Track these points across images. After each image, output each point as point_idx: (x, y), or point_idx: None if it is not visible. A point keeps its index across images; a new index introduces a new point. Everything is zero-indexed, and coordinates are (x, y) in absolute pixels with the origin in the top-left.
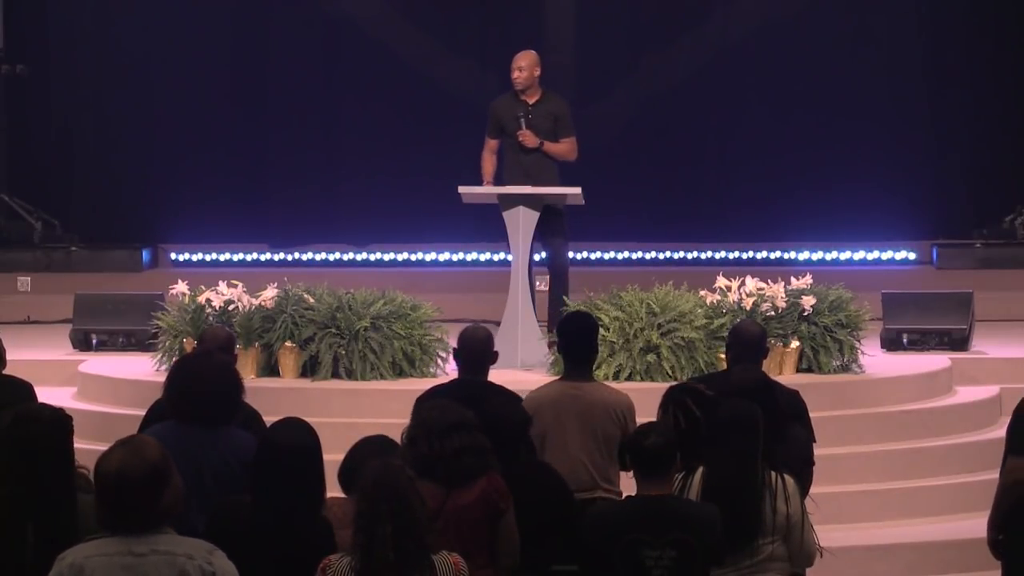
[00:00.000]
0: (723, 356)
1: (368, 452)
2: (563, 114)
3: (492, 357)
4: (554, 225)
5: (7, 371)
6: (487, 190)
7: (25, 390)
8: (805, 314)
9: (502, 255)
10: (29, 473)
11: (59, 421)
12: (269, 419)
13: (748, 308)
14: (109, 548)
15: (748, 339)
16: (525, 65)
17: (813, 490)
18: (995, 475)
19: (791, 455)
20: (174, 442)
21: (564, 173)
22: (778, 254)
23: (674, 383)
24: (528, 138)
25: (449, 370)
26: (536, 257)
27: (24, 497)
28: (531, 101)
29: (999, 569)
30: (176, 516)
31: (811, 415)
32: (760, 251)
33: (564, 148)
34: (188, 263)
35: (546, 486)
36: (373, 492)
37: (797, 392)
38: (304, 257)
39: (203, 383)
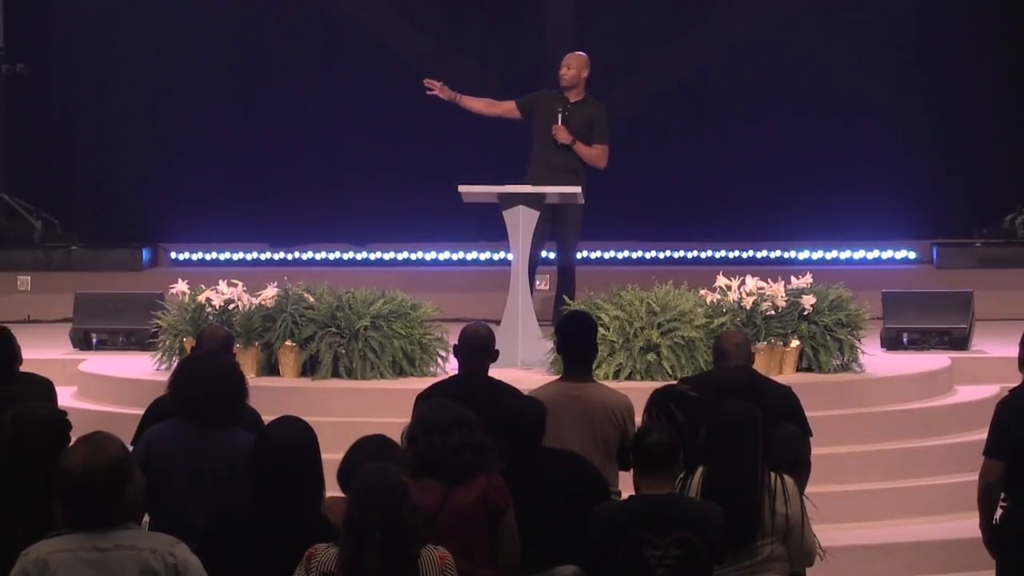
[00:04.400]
0: None
1: (367, 452)
2: (600, 120)
3: (493, 355)
4: (569, 225)
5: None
6: (488, 190)
7: (45, 388)
8: (805, 313)
9: (502, 255)
10: (20, 473)
11: (52, 423)
12: (269, 419)
13: (748, 307)
14: (72, 544)
15: (727, 349)
16: (574, 64)
17: (813, 490)
18: None
19: (779, 456)
20: (176, 440)
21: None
22: (778, 253)
23: (658, 386)
24: (561, 133)
25: (449, 369)
26: (545, 255)
27: (13, 497)
28: (572, 100)
29: None
30: (139, 511)
31: (811, 415)
32: (760, 251)
33: (595, 153)
34: (188, 262)
35: (582, 473)
36: (364, 497)
37: (789, 388)
38: (304, 257)
39: (208, 383)
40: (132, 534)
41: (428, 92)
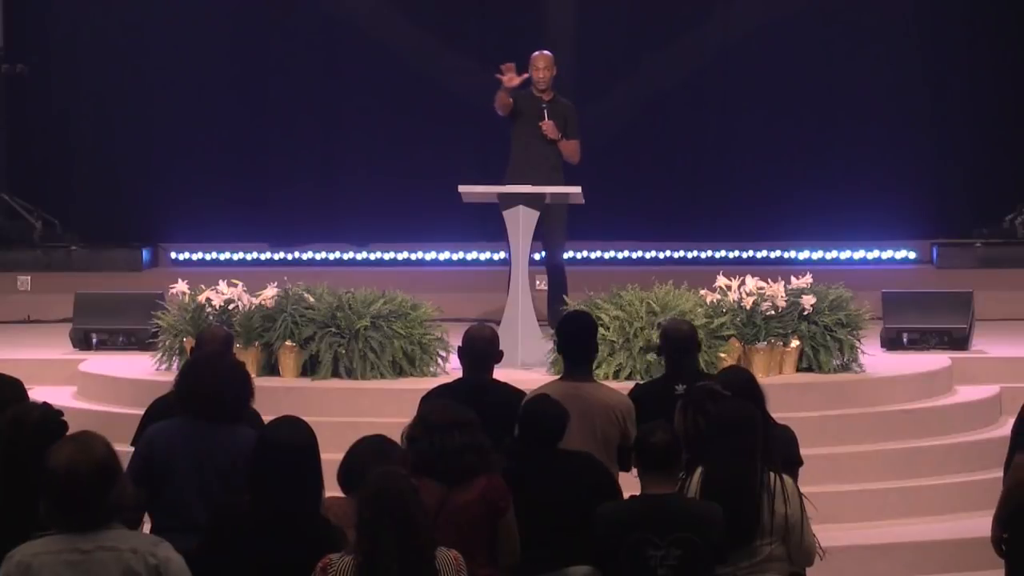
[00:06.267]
0: (723, 356)
1: (366, 452)
2: (572, 117)
3: (497, 356)
4: (554, 224)
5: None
6: (485, 189)
7: (15, 388)
8: (805, 313)
9: (502, 255)
10: (16, 473)
11: (48, 423)
12: (269, 419)
13: (748, 307)
14: (55, 545)
15: (679, 337)
16: (546, 65)
17: (814, 490)
18: (996, 474)
19: (774, 455)
20: (180, 437)
21: (566, 173)
22: (778, 253)
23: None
24: (550, 129)
25: (449, 369)
26: (536, 256)
27: (10, 498)
28: (545, 100)
29: (999, 568)
30: (124, 511)
31: (811, 414)
32: (760, 251)
33: (574, 147)
34: (188, 262)
35: (595, 475)
36: (376, 501)
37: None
38: (304, 257)
39: (213, 381)
40: (115, 534)
41: (498, 75)
